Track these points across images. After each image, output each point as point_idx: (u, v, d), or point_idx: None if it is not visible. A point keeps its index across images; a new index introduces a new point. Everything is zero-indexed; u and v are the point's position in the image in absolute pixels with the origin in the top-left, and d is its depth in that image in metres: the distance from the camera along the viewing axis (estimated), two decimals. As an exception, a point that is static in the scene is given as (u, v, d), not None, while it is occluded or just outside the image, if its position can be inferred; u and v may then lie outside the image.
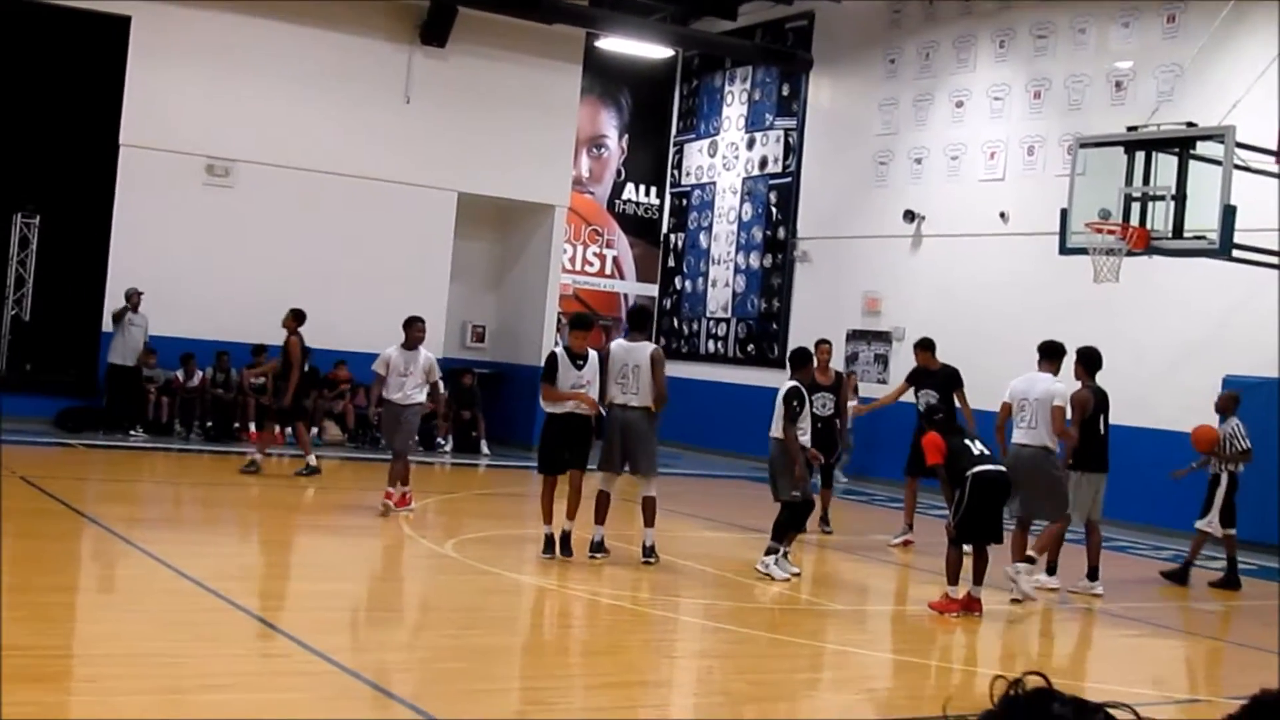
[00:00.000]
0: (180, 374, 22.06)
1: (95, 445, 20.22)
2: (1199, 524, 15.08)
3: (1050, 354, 13.67)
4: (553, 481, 12.97)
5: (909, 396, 16.99)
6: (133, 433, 21.32)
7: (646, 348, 13.35)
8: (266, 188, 23.32)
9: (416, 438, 16.28)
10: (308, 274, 22.97)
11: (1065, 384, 13.58)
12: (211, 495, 17.47)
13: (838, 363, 21.57)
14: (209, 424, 22.31)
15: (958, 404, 16.21)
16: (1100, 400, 13.89)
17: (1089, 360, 14.03)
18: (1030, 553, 12.97)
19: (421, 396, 15.93)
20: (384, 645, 9.70)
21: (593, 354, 13.09)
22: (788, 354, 15.02)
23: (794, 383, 12.93)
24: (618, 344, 13.61)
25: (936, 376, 16.75)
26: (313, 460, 18.33)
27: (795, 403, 12.71)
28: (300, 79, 23.61)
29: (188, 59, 22.66)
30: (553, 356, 13.04)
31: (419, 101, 24.52)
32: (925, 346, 17.11)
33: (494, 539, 14.64)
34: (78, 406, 21.63)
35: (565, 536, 12.88)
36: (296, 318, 18.46)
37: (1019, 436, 13.28)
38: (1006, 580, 12.51)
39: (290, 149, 23.47)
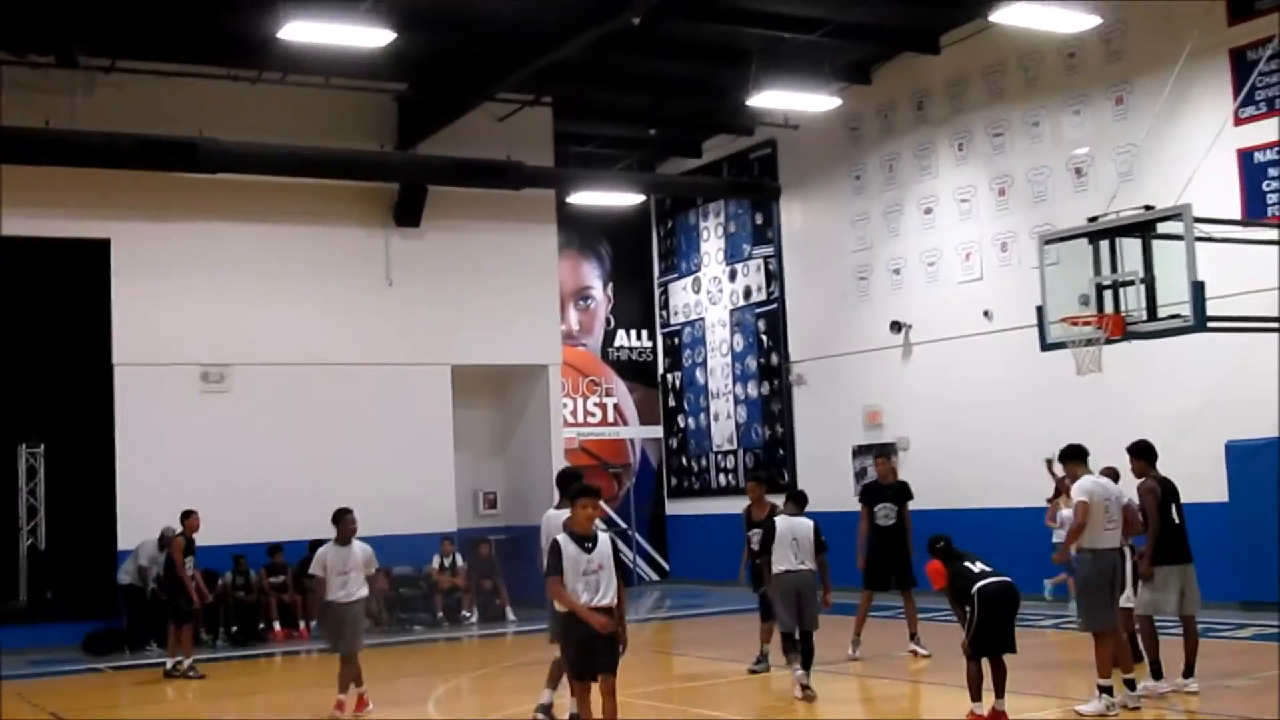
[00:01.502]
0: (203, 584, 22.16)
1: (121, 667, 20.23)
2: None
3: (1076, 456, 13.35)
4: (587, 687, 10.73)
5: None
6: (147, 649, 21.24)
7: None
8: (262, 387, 23.61)
9: (362, 639, 14.81)
10: (314, 466, 23.17)
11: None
12: (248, 704, 17.40)
13: (844, 477, 21.63)
14: (234, 629, 22.39)
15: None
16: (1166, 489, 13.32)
17: (1145, 451, 13.42)
18: (1100, 682, 12.46)
19: (364, 591, 14.80)
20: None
21: (603, 537, 10.74)
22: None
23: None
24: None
25: (890, 490, 17.16)
26: (185, 663, 18.44)
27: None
28: (282, 276, 23.97)
29: (170, 272, 23.01)
30: (556, 546, 10.58)
31: (401, 282, 24.87)
32: (883, 458, 17.58)
33: (523, 715, 14.59)
34: (100, 630, 21.69)
35: None
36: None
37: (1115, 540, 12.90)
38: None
39: (281, 346, 23.79)
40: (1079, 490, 12.83)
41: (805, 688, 14.13)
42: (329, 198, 24.31)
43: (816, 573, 14.65)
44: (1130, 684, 12.57)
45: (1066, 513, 18.28)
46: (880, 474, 17.71)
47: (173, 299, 23.02)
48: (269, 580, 22.64)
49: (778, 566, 14.56)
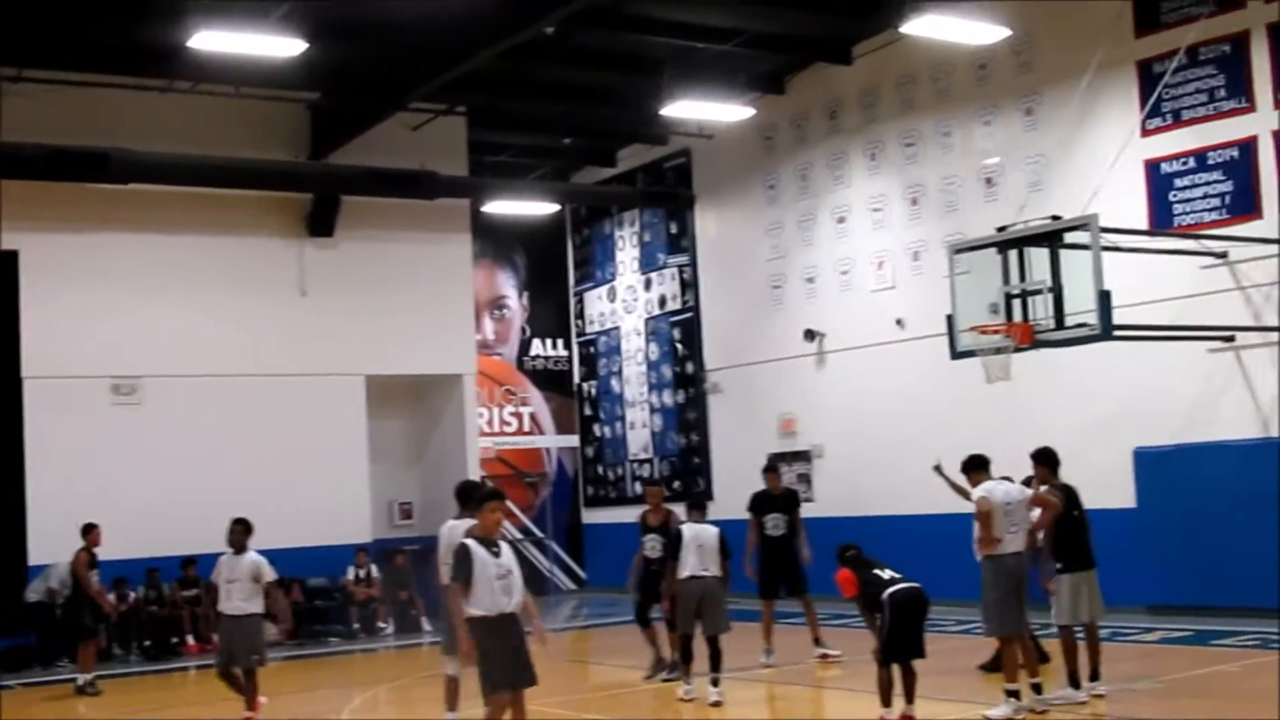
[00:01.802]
0: (113, 596, 21.95)
1: (32, 684, 20.00)
2: None
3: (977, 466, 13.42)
4: (508, 700, 10.47)
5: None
6: (59, 665, 21.02)
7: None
8: (175, 398, 23.40)
9: (257, 656, 14.23)
10: (228, 478, 22.99)
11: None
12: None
13: (759, 485, 21.68)
14: (147, 643, 22.20)
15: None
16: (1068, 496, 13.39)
17: (1047, 458, 13.51)
18: (1007, 686, 12.59)
19: (255, 607, 14.17)
20: None
21: (503, 543, 10.63)
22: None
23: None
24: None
25: (779, 500, 17.36)
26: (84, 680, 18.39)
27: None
28: (195, 287, 23.77)
29: (80, 284, 22.76)
30: (466, 552, 10.37)
31: (315, 292, 24.76)
32: (772, 469, 17.77)
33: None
34: (10, 647, 21.42)
35: None
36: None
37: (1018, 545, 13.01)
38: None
39: (193, 357, 23.60)
40: (978, 490, 13.01)
41: (717, 701, 14.34)
42: (242, 208, 24.16)
43: (720, 579, 14.81)
44: (1037, 688, 12.72)
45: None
46: (769, 485, 17.83)
47: (83, 311, 22.77)
48: (182, 593, 22.45)
49: (683, 572, 14.69)
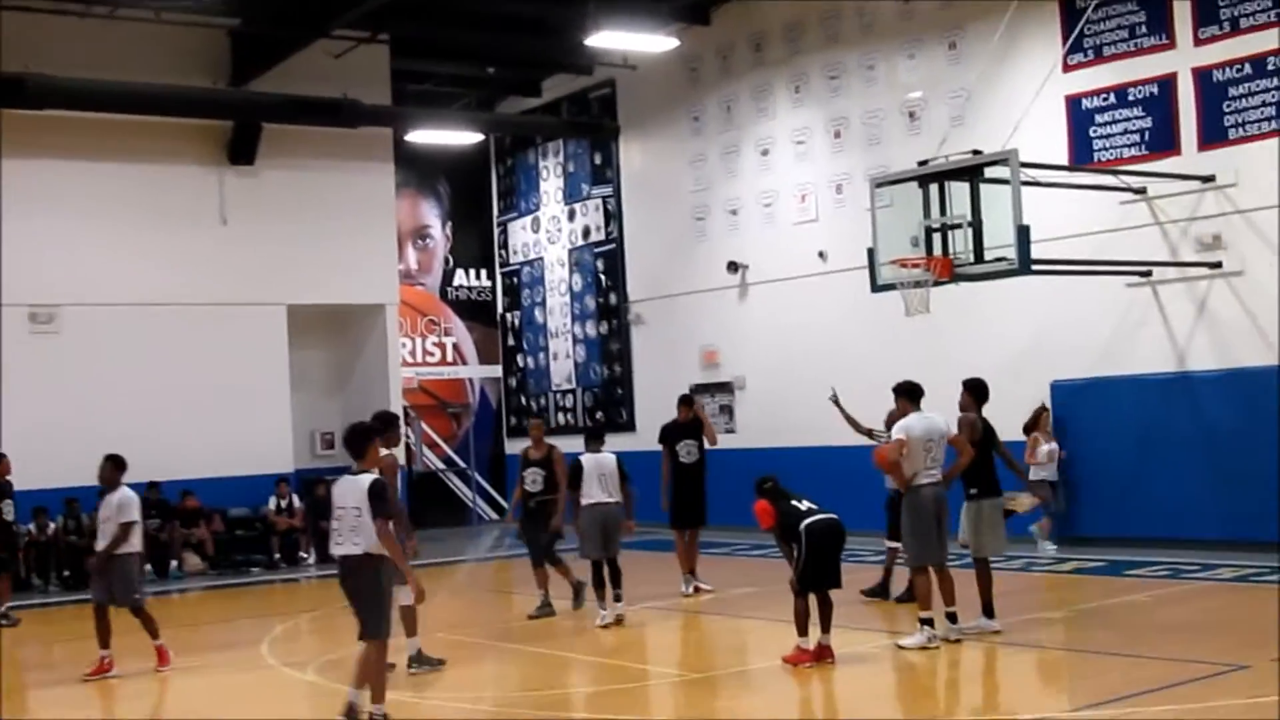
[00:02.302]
0: (33, 527, 21.81)
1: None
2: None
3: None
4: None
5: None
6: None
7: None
8: (93, 328, 23.19)
9: (133, 596, 13.79)
10: (148, 408, 22.91)
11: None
12: (81, 649, 17.20)
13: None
14: (66, 573, 22.08)
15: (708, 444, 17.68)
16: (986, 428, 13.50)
17: (975, 390, 13.63)
18: (922, 615, 12.75)
19: (130, 546, 13.74)
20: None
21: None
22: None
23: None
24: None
25: (689, 428, 17.48)
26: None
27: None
28: (114, 215, 23.54)
29: (-5, 210, 22.52)
30: (389, 488, 10.76)
31: (235, 221, 24.57)
32: (685, 402, 17.88)
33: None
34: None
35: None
36: None
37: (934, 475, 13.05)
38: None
39: (112, 286, 23.39)
40: (899, 428, 13.10)
41: (620, 616, 15.16)
42: (162, 135, 23.89)
43: (621, 505, 15.50)
44: (952, 617, 12.90)
45: (1046, 448, 18.88)
46: (681, 416, 17.86)
47: (-1, 238, 22.52)
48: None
49: (586, 500, 15.31)
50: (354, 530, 10.28)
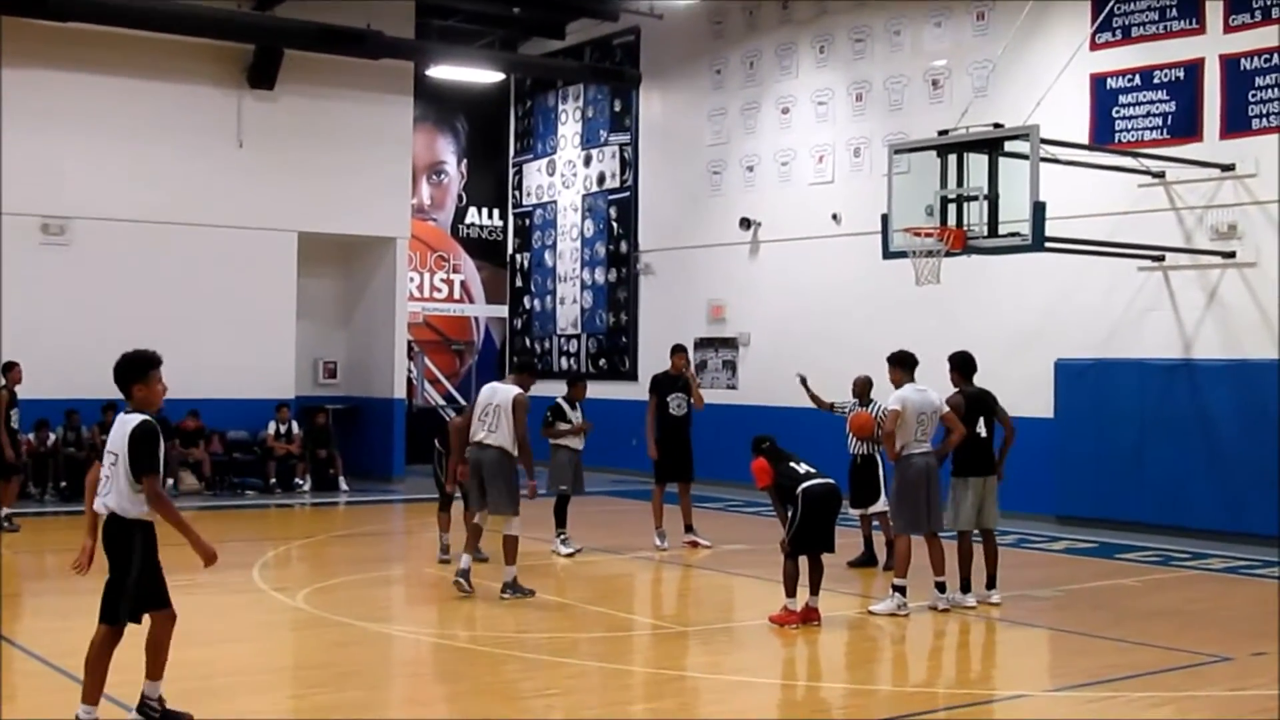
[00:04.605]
0: (33, 437, 21.89)
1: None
2: (874, 508, 15.49)
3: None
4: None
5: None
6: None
7: (511, 390, 13.79)
8: (104, 243, 23.22)
9: None
10: (153, 325, 22.77)
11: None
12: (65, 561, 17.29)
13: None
14: (63, 484, 22.18)
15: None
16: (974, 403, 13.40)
17: (961, 364, 13.56)
18: (896, 581, 12.83)
19: None
20: (225, 713, 9.50)
21: None
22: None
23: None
24: (488, 386, 14.28)
25: (681, 381, 17.37)
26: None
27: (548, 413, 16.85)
28: (131, 131, 23.52)
29: (15, 121, 22.40)
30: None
31: (252, 145, 24.54)
32: (679, 352, 17.70)
33: (348, 584, 14.72)
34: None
35: None
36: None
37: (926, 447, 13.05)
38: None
39: (125, 202, 23.39)
40: (894, 399, 13.10)
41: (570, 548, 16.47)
42: (182, 54, 23.85)
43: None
44: (941, 586, 12.96)
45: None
46: (674, 367, 17.68)
47: (15, 147, 22.43)
48: (101, 437, 22.20)
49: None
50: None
